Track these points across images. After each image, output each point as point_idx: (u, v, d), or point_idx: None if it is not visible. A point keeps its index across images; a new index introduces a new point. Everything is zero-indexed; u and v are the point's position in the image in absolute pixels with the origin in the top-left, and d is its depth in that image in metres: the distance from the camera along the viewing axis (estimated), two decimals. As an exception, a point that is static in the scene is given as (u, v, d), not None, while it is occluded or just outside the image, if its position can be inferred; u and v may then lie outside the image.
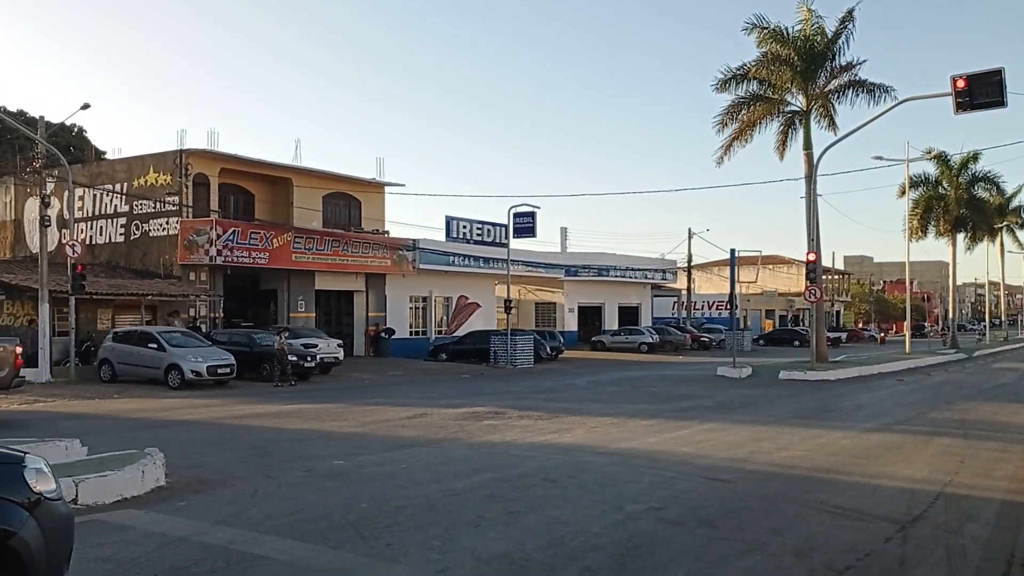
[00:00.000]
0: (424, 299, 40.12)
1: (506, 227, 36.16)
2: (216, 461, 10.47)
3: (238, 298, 33.65)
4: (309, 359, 25.30)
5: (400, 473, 9.58)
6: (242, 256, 29.39)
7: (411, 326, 39.26)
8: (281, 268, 31.82)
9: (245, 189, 34.75)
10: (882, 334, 58.61)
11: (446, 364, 33.55)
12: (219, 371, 22.34)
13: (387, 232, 38.60)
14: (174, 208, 29.89)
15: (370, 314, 36.99)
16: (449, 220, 39.91)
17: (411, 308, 39.51)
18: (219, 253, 28.64)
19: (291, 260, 31.45)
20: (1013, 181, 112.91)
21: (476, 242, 40.68)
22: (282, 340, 24.15)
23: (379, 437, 12.78)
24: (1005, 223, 57.00)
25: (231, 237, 29.04)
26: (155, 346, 22.57)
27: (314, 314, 34.47)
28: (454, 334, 39.83)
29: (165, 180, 30.45)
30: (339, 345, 28.98)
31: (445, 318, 41.72)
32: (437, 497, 8.20)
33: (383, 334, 36.43)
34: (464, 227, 40.38)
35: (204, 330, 27.71)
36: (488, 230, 41.05)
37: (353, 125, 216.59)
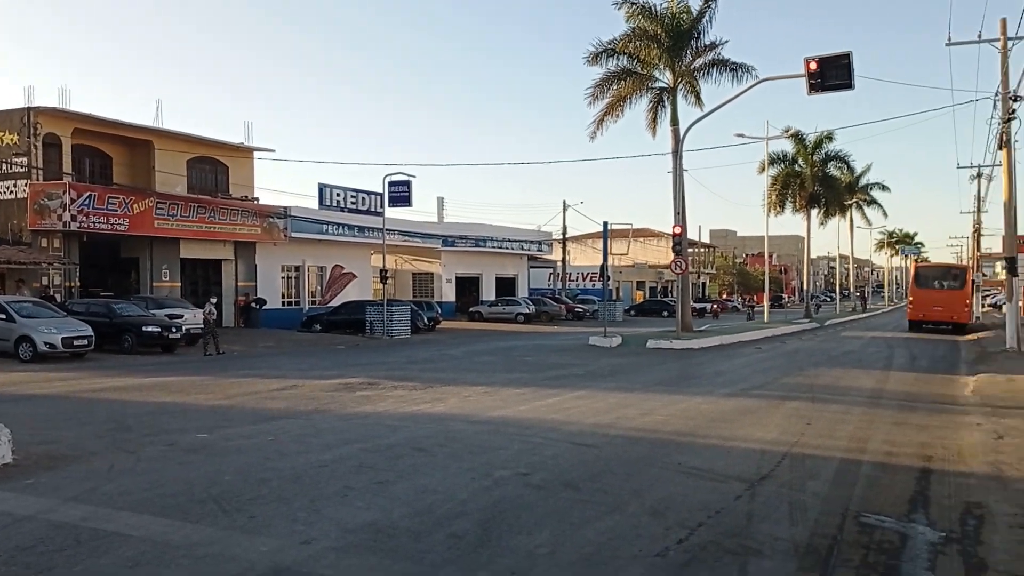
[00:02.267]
0: (297, 268, 39.31)
1: (381, 196, 35.72)
2: (70, 436, 10.03)
3: (97, 267, 32.03)
4: (174, 330, 24.44)
5: (267, 445, 9.43)
6: (99, 222, 27.94)
7: (283, 296, 38.43)
8: (143, 235, 30.42)
9: (102, 151, 32.95)
10: (750, 306, 61.16)
11: (320, 335, 33.06)
12: (75, 343, 21.28)
13: (257, 199, 37.47)
14: (22, 170, 28.10)
15: (240, 284, 35.95)
16: (322, 187, 39.02)
17: (283, 278, 38.64)
18: (73, 219, 27.12)
19: (154, 227, 30.11)
20: (862, 161, 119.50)
21: (351, 211, 39.97)
22: (210, 308, 25.02)
23: (246, 409, 12.53)
24: (854, 200, 60.51)
25: (87, 202, 27.53)
26: (3, 317, 21.29)
27: (179, 284, 33.22)
28: (328, 305, 39.24)
29: (12, 140, 28.52)
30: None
31: (319, 288, 41.02)
32: (304, 469, 8.14)
33: (253, 304, 35.51)
34: (338, 195, 39.58)
35: (59, 300, 26.31)
36: (363, 198, 40.42)
37: (221, 87, 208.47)
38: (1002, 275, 27.92)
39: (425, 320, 36.66)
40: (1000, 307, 38.82)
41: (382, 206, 35.81)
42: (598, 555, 5.59)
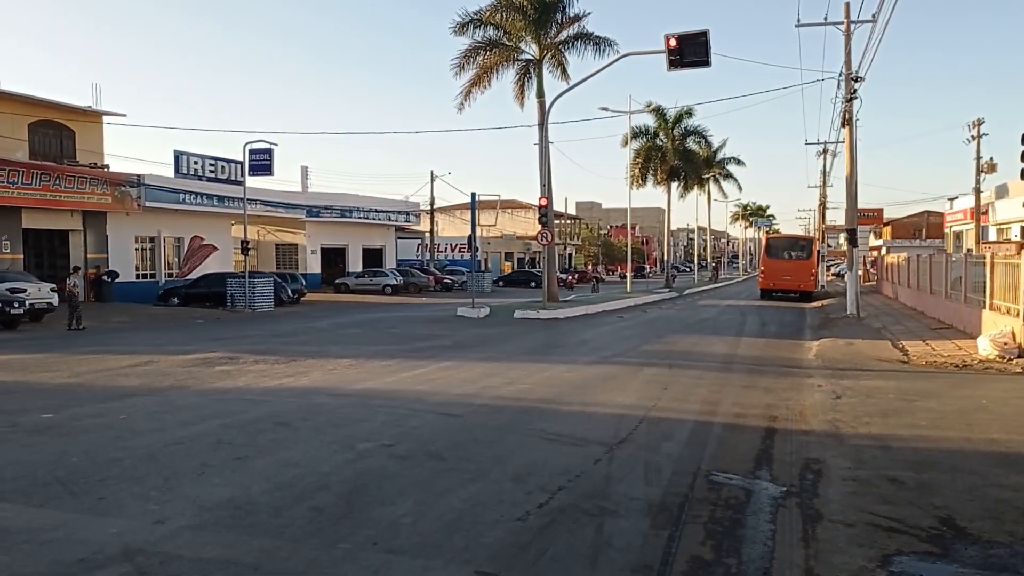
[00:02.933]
0: (152, 240, 37.58)
1: (242, 164, 34.50)
2: (-102, 421, 9.31)
3: (-74, 237, 29.66)
4: (16, 305, 22.96)
5: (118, 424, 9.04)
6: (-71, 190, 25.88)
7: (138, 269, 36.68)
8: (-21, 204, 28.39)
9: (-70, 114, 30.47)
10: (595, 277, 62.56)
11: (178, 309, 31.79)
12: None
13: (107, 166, 35.49)
14: None
15: (90, 256, 34.05)
16: (179, 155, 37.40)
17: (137, 249, 36.86)
18: (-101, 186, 25.03)
19: (-9, 195, 28.14)
20: (719, 136, 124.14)
21: (209, 179, 38.47)
22: (74, 281, 24.26)
23: (96, 387, 11.95)
24: (712, 174, 62.97)
25: (-86, 168, 25.44)
26: None
27: (22, 255, 31.16)
28: (187, 277, 37.76)
29: None
30: (53, 290, 26.49)
31: (177, 260, 39.41)
32: (159, 447, 7.86)
33: (105, 277, 33.74)
34: (196, 163, 38.01)
35: None
36: (223, 167, 38.96)
37: (67, 48, 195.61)
38: (845, 246, 29.68)
39: (289, 292, 35.84)
40: (842, 276, 41.30)
41: (243, 175, 34.62)
42: (460, 522, 5.67)
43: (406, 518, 5.74)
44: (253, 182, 35.51)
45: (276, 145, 33.34)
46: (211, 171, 38.44)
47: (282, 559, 4.98)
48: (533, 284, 54.48)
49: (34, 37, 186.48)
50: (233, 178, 37.95)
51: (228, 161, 38.82)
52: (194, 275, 37.72)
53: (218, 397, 10.98)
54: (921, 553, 5.16)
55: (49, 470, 6.98)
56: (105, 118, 36.35)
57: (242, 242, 33.23)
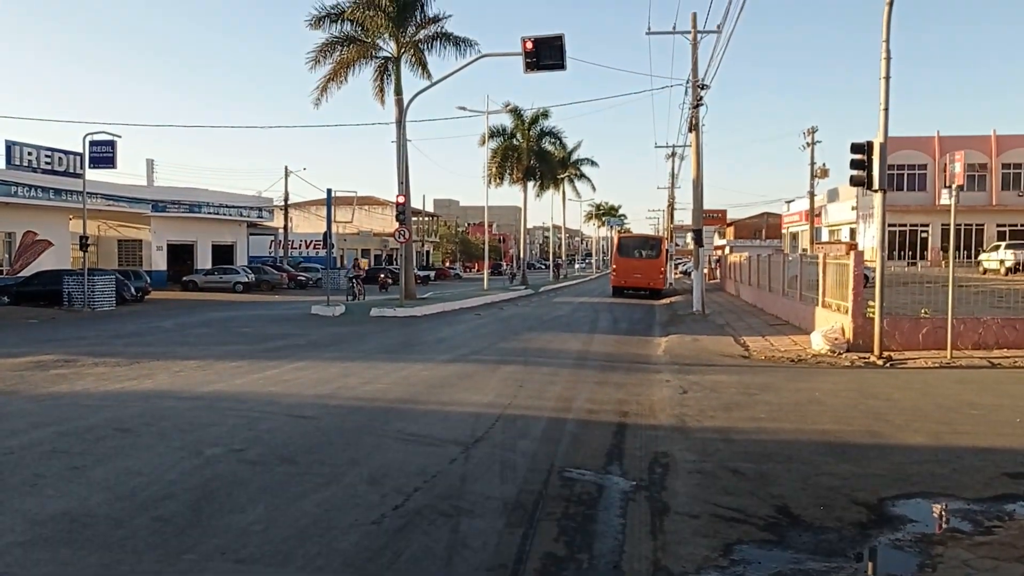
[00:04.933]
0: (-22, 234, 34.97)
1: (82, 156, 32.56)
2: None
3: None
4: None
5: (-61, 434, 8.38)
6: None
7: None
8: None
9: None
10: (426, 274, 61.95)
11: (9, 308, 29.65)
12: None
13: (-73, 155, 32.79)
14: None
15: (-97, 251, 31.39)
16: (10, 145, 34.89)
17: (-39, 244, 34.22)
18: None
19: None
20: (574, 138, 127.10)
21: (45, 171, 36.13)
22: None
23: (-87, 395, 11.02)
24: (567, 174, 64.32)
25: None
26: None
27: None
28: (19, 275, 35.34)
29: None
30: None
31: (8, 256, 36.79)
32: (-15, 458, 7.34)
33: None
34: (30, 154, 35.55)
35: None
36: (60, 158, 36.64)
37: None
38: (691, 245, 30.98)
39: (132, 290, 34.11)
40: (689, 274, 43.11)
41: (82, 167, 32.68)
42: (314, 527, 5.57)
43: (256, 525, 5.60)
44: (94, 175, 33.63)
45: (119, 137, 31.80)
46: (47, 163, 36.08)
47: (123, 573, 4.76)
48: (389, 281, 54.02)
49: None
50: (72, 170, 35.76)
51: (67, 153, 36.54)
52: (27, 272, 35.35)
53: (52, 403, 10.33)
54: (760, 541, 5.46)
55: None
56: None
57: (81, 237, 31.38)
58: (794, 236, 56.09)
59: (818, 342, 16.23)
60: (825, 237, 49.39)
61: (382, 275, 45.87)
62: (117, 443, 8.02)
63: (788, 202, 61.89)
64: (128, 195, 42.81)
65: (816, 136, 45.75)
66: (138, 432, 8.54)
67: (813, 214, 46.94)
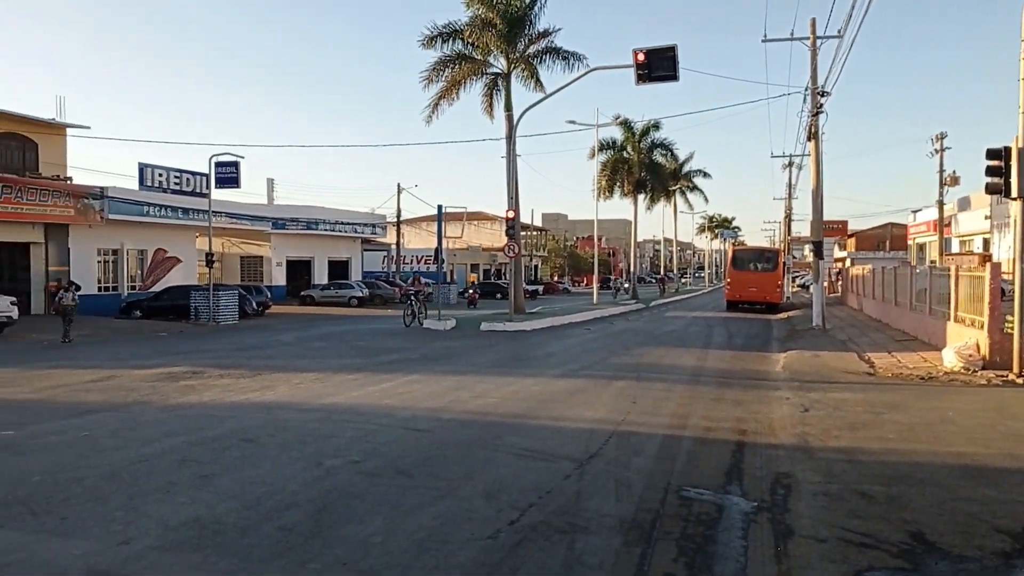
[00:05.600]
0: (115, 252, 37.03)
1: (207, 176, 34.13)
2: None
3: None
4: (-27, 319, 22.48)
5: (80, 442, 8.86)
6: None
7: (100, 281, 36.11)
8: (-62, 216, 27.81)
9: None
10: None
11: (141, 322, 31.30)
12: None
13: (70, 178, 34.99)
14: None
15: (51, 268, 33.47)
16: (143, 167, 37.01)
17: (100, 262, 36.30)
18: None
19: (-50, 207, 27.59)
20: (685, 149, 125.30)
21: (174, 192, 38.09)
22: (73, 296, 24.77)
23: (58, 403, 11.70)
24: (678, 186, 63.48)
25: None
26: None
27: (-19, 269, 30.60)
28: (150, 290, 37.26)
29: None
30: (12, 303, 26.00)
31: (140, 273, 38.86)
32: (122, 465, 7.70)
33: (64, 290, 33.15)
34: (160, 175, 37.63)
35: None
36: (188, 179, 38.59)
37: (32, 60, 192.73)
38: (810, 257, 30.04)
39: (254, 305, 35.46)
40: (808, 288, 41.79)
41: (208, 187, 34.25)
42: (430, 540, 5.60)
43: (376, 537, 5.67)
44: (219, 194, 35.17)
45: (243, 158, 33.08)
46: (176, 184, 38.07)
47: (249, 581, 4.89)
48: (499, 295, 54.39)
49: (3, 53, 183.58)
50: (198, 190, 37.56)
51: (193, 173, 38.46)
52: (157, 287, 37.24)
53: (182, 413, 10.80)
54: (892, 568, 5.18)
55: (9, 489, 6.81)
56: (69, 130, 35.88)
57: (207, 255, 32.85)
58: (921, 247, 53.64)
59: (950, 359, 15.42)
60: (955, 248, 47.00)
61: (470, 291, 45.55)
62: (242, 453, 8.30)
63: (915, 212, 59.25)
64: (250, 213, 44.54)
65: (945, 142, 43.71)
66: (261, 442, 8.82)
67: (942, 224, 44.77)
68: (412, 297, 29.35)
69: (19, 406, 11.48)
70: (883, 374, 15.29)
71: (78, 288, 32.89)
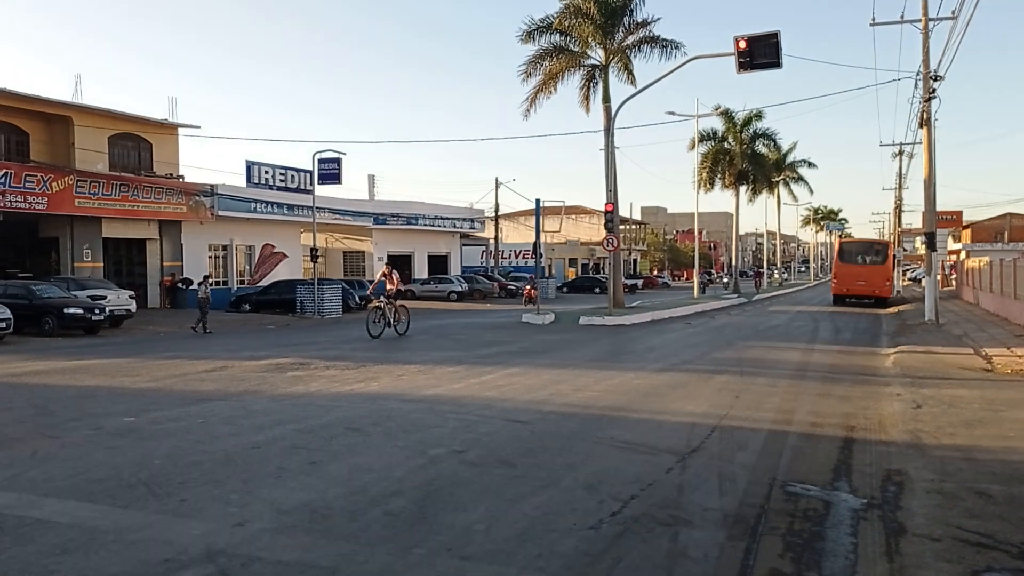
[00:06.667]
0: (225, 247, 38.58)
1: (311, 173, 35.15)
2: (-10, 423, 9.69)
3: (14, 247, 30.97)
4: (97, 312, 23.75)
5: (197, 428, 9.27)
6: (16, 201, 27.00)
7: (211, 276, 37.66)
8: (63, 214, 29.50)
9: (18, 127, 31.78)
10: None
11: (249, 315, 32.51)
12: (-9, 326, 20.54)
13: (182, 177, 36.62)
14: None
15: (165, 263, 35.15)
16: (250, 165, 38.38)
17: (211, 257, 37.87)
18: (-11, 198, 26.15)
19: (74, 206, 29.23)
20: (789, 138, 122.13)
21: (279, 188, 39.40)
22: (206, 289, 26.14)
23: (175, 392, 12.27)
24: (781, 177, 61.81)
25: (3, 180, 26.57)
26: (-85, 300, 20.40)
27: (102, 264, 32.33)
28: (258, 284, 38.63)
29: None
30: (131, 297, 27.43)
31: (248, 268, 40.31)
32: (236, 451, 8.03)
33: (180, 284, 34.74)
34: (266, 172, 38.95)
35: (-27, 282, 25.34)
36: (292, 176, 39.85)
37: (146, 62, 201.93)
38: (922, 250, 28.87)
39: (356, 299, 36.36)
40: (920, 281, 40.19)
41: (312, 184, 35.27)
42: (533, 529, 5.65)
43: (479, 525, 5.75)
44: (322, 191, 36.20)
45: (344, 154, 33.93)
46: (281, 180, 39.33)
47: (358, 563, 5.03)
48: (597, 290, 54.22)
49: (117, 48, 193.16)
50: (302, 187, 38.73)
51: (297, 170, 39.64)
52: (265, 282, 38.56)
53: (291, 402, 11.16)
54: (1013, 570, 4.95)
55: (133, 472, 7.18)
56: (180, 130, 37.49)
57: (311, 250, 33.84)
58: (1041, 238, 50.87)
59: (1074, 355, 14.59)
60: (1079, 239, 44.39)
61: (528, 288, 39.06)
62: (349, 441, 8.53)
63: (1034, 201, 56.11)
64: (352, 209, 45.66)
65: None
66: (367, 431, 9.04)
67: (1064, 213, 42.34)
68: (384, 298, 22.44)
69: (139, 394, 12.08)
70: (1002, 370, 14.58)
71: (189, 283, 34.60)
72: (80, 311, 23.16)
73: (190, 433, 8.96)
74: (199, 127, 37.66)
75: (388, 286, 22.36)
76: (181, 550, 5.20)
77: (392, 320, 22.19)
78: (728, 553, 5.24)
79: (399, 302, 22.84)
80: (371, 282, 43.96)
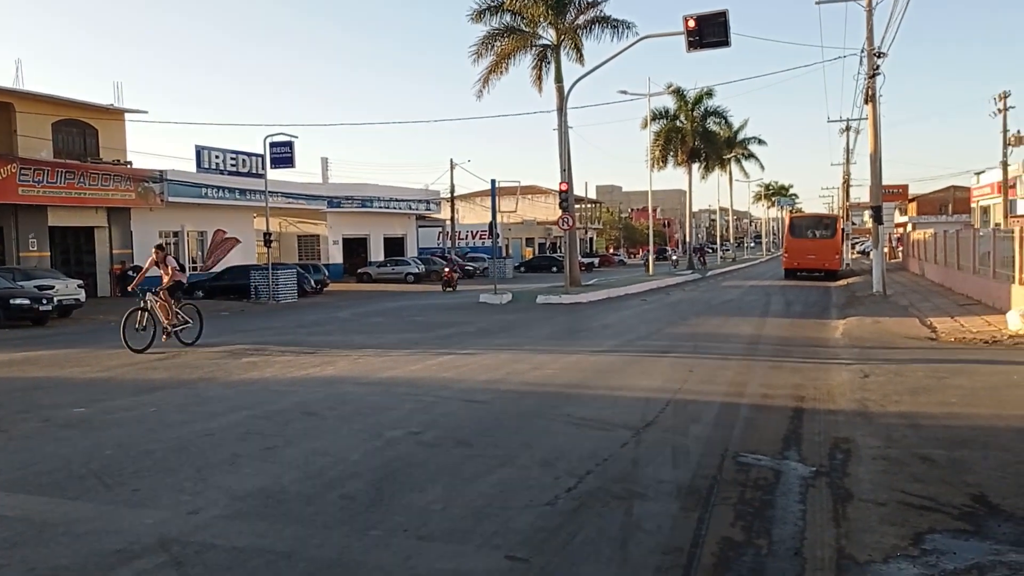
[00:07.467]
0: (176, 234, 37.94)
1: (263, 157, 34.65)
2: (-66, 418, 9.46)
3: (-46, 237, 30.11)
4: (45, 302, 23.24)
5: (149, 417, 9.15)
6: (-44, 190, 26.24)
7: (162, 263, 37.02)
8: (6, 203, 28.76)
9: (-44, 115, 30.85)
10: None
11: (202, 302, 31.78)
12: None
13: (130, 163, 35.86)
14: None
15: (115, 251, 34.49)
16: (200, 150, 37.64)
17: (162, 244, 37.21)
18: (-72, 187, 25.40)
19: (18, 194, 28.50)
20: (739, 116, 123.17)
21: (231, 173, 38.75)
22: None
23: (126, 381, 12.08)
24: (733, 154, 62.51)
25: (-58, 169, 25.81)
26: None
27: (48, 253, 31.60)
28: (211, 271, 38.09)
29: None
30: (80, 286, 26.85)
31: (201, 254, 39.73)
32: (190, 438, 7.94)
33: (130, 272, 34.07)
34: (217, 157, 38.25)
35: (-86, 274, 24.61)
36: (243, 160, 39.20)
37: (87, 49, 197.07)
38: (869, 223, 29.41)
39: (312, 283, 36.03)
40: (867, 254, 40.94)
41: (264, 168, 34.79)
42: (490, 507, 5.69)
43: (436, 504, 5.77)
44: (274, 175, 35.72)
45: (296, 137, 33.59)
46: (232, 165, 38.69)
47: (315, 546, 5.02)
48: (555, 269, 54.40)
49: (56, 41, 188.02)
50: (255, 171, 38.16)
51: (249, 155, 39.03)
52: (218, 268, 38.04)
53: (246, 388, 11.07)
54: (954, 531, 5.11)
55: (83, 463, 7.07)
56: (127, 116, 36.70)
57: (265, 234, 33.42)
58: (984, 210, 52.06)
59: (1015, 322, 15.02)
60: (1021, 210, 45.54)
61: (447, 270, 38.34)
62: (304, 425, 8.49)
63: (978, 174, 57.49)
64: (306, 193, 45.17)
65: (1009, 101, 42.27)
66: (323, 416, 9.01)
67: (1007, 185, 43.40)
68: (148, 293, 16.60)
69: (89, 384, 11.87)
70: (946, 339, 14.96)
71: (139, 270, 33.94)
72: (27, 302, 22.64)
73: (142, 422, 8.84)
74: (146, 111, 37.07)
75: (164, 278, 16.67)
76: (133, 540, 5.15)
77: (168, 326, 16.30)
78: (681, 524, 5.33)
79: (185, 301, 17.89)
80: (326, 266, 44.26)
